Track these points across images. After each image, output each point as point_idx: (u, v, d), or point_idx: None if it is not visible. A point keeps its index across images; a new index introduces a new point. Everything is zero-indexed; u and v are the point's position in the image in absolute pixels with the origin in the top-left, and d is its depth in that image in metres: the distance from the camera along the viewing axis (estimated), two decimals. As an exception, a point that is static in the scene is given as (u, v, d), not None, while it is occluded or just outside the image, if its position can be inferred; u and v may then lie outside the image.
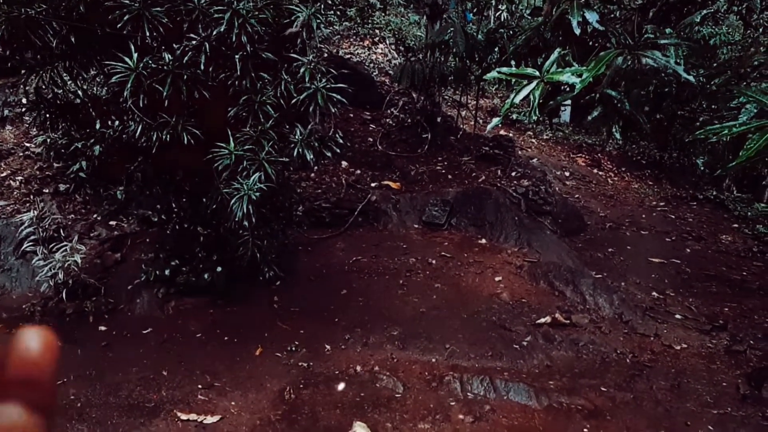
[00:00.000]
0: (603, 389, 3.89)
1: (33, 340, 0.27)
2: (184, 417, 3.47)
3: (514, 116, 10.10)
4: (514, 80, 2.34)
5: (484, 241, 5.99)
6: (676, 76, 2.02)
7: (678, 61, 2.20)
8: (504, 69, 2.26)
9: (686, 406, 3.79)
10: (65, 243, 4.50)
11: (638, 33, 2.45)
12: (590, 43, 2.58)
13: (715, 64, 4.49)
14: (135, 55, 3.40)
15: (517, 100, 2.17)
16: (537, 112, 2.12)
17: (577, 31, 2.27)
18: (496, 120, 2.38)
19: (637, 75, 2.21)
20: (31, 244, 4.70)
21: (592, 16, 2.30)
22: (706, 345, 4.59)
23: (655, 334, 4.67)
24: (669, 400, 3.85)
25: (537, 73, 2.15)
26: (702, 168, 8.43)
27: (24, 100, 6.26)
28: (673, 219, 8.02)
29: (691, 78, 2.03)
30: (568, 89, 2.22)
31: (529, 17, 11.05)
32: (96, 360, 4.01)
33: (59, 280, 4.32)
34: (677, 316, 5.02)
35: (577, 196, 8.32)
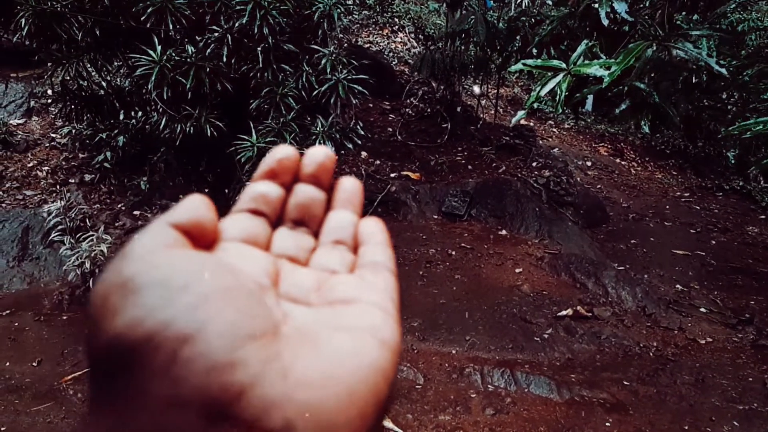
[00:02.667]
0: (626, 383, 3.86)
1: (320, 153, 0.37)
2: (208, 405, 3.53)
3: (535, 105, 9.96)
4: (538, 72, 2.31)
5: (504, 232, 5.96)
6: (708, 68, 1.96)
7: (710, 52, 2.14)
8: (529, 61, 2.22)
9: (711, 401, 3.74)
10: (91, 233, 4.59)
11: (668, 23, 2.39)
12: (618, 31, 2.52)
13: (743, 52, 4.35)
14: (159, 48, 3.43)
15: (543, 92, 2.14)
16: (563, 105, 2.09)
17: (605, 22, 2.21)
18: (521, 113, 2.35)
19: (666, 67, 2.15)
20: (58, 233, 4.80)
21: (620, 6, 2.24)
22: (731, 339, 4.52)
23: (679, 327, 4.61)
24: (693, 395, 3.81)
25: (563, 65, 2.11)
26: (733, 161, 8.22)
27: (50, 92, 6.38)
28: (698, 210, 7.87)
29: (723, 71, 1.97)
30: (594, 81, 2.18)
31: (550, 3, 10.85)
32: (122, 348, 4.10)
33: (86, 269, 4.40)
34: (702, 310, 4.95)
35: (599, 186, 8.20)
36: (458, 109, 7.61)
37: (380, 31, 10.62)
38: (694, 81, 2.24)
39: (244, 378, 0.21)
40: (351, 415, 0.23)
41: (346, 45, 8.48)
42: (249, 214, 0.34)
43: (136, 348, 0.22)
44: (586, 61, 2.11)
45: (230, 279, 0.25)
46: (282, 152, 0.36)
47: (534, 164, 7.06)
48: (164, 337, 0.22)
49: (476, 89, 8.84)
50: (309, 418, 0.21)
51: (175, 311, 0.22)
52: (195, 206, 0.30)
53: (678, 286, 5.47)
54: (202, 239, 0.29)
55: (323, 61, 3.72)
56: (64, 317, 4.40)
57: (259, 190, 0.35)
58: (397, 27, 10.82)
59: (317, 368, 0.23)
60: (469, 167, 6.98)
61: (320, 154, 0.37)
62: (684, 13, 2.98)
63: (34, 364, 3.90)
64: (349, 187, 0.38)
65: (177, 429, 0.21)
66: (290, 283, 0.30)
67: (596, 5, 2.22)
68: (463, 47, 7.08)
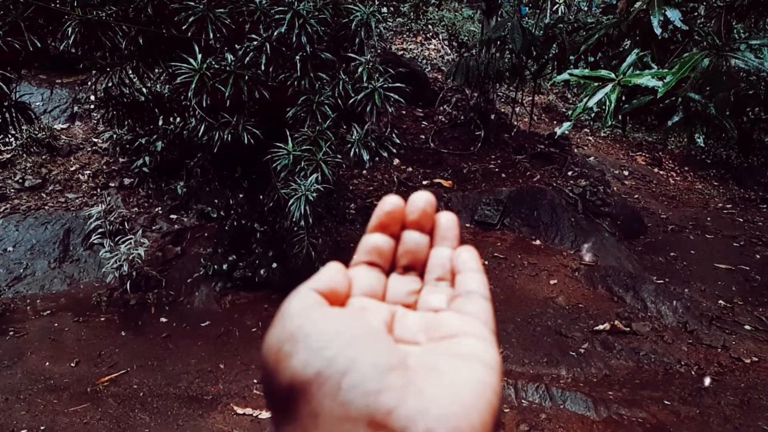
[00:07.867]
0: (666, 402, 3.73)
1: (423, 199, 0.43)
2: (240, 411, 3.55)
3: (570, 112, 9.78)
4: (583, 82, 2.24)
5: (538, 242, 5.85)
6: (769, 79, 1.87)
7: (772, 63, 2.05)
8: (576, 71, 2.15)
9: (758, 425, 3.58)
10: (130, 236, 4.68)
11: (725, 32, 2.29)
12: (670, 40, 2.43)
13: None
14: (199, 56, 3.47)
15: (591, 103, 2.07)
16: (612, 117, 2.02)
17: (658, 31, 2.13)
18: (566, 124, 2.29)
19: (723, 77, 2.05)
20: (98, 236, 4.91)
21: (674, 15, 2.15)
22: (779, 359, 4.32)
23: (722, 345, 4.43)
24: (738, 417, 3.65)
25: (612, 75, 2.03)
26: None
27: (92, 98, 6.55)
28: (741, 222, 7.58)
29: (787, 81, 1.88)
30: (645, 92, 2.10)
31: (586, 10, 10.64)
32: (157, 350, 4.16)
33: (124, 271, 4.49)
34: (747, 327, 4.75)
35: (636, 196, 7.99)
36: (492, 116, 7.53)
37: (414, 38, 10.60)
38: (750, 93, 2.14)
39: (390, 400, 0.28)
40: (475, 422, 0.29)
41: (380, 52, 8.49)
42: (366, 266, 0.42)
43: (311, 380, 0.29)
44: (637, 71, 2.04)
45: (365, 326, 0.33)
46: (390, 204, 0.42)
47: (569, 173, 6.92)
48: (330, 371, 0.29)
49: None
50: (444, 426, 0.27)
51: (333, 352, 0.30)
52: (331, 275, 0.38)
53: (721, 301, 5.26)
54: (337, 300, 0.37)
55: (360, 70, 3.71)
56: (102, 319, 4.49)
57: (373, 242, 0.42)
58: (431, 34, 10.79)
59: (443, 389, 0.30)
60: (503, 175, 6.89)
61: (422, 201, 0.43)
62: (735, 20, 2.86)
63: (72, 364, 3.99)
64: (445, 222, 0.43)
65: None
66: (402, 327, 0.37)
67: (648, 13, 2.14)
68: (498, 54, 7.00)
